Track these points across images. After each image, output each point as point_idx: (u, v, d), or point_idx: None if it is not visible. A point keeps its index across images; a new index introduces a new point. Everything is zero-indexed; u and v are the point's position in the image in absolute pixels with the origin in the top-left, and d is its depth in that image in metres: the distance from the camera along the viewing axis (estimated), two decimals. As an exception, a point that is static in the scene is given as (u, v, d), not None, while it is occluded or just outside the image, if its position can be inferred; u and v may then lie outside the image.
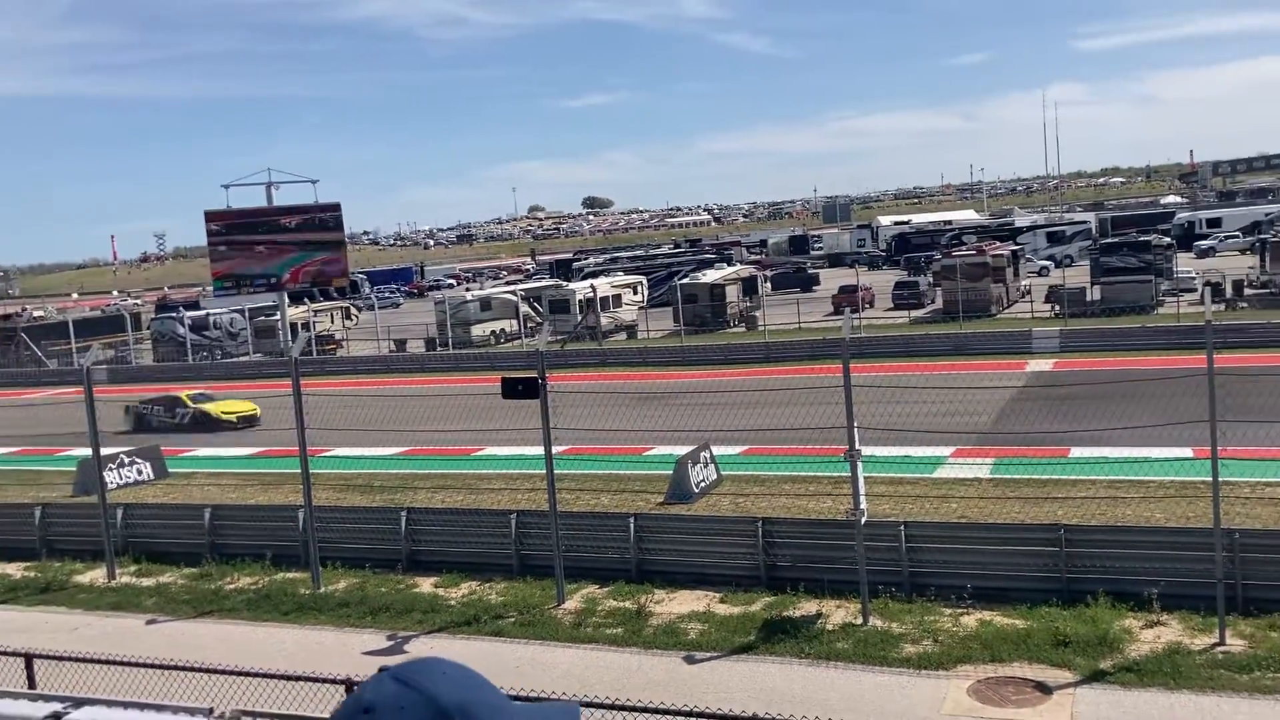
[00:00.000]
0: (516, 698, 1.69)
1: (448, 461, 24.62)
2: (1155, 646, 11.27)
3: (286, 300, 51.05)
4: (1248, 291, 43.68)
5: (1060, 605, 12.44)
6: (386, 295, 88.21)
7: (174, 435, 30.46)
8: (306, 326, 51.72)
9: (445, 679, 1.40)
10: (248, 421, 31.77)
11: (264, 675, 8.48)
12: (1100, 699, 10.32)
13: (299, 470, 16.00)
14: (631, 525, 15.20)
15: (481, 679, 1.46)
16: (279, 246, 49.26)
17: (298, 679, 8.06)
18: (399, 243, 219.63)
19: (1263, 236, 51.66)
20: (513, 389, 14.09)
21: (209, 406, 32.48)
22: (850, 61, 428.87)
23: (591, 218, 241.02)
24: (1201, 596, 11.82)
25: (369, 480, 22.77)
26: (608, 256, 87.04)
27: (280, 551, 16.97)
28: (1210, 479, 11.67)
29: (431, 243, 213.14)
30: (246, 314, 56.09)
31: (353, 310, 66.73)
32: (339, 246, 52.11)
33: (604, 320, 49.08)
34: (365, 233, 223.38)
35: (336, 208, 51.29)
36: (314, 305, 59.96)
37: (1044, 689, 10.59)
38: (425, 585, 15.54)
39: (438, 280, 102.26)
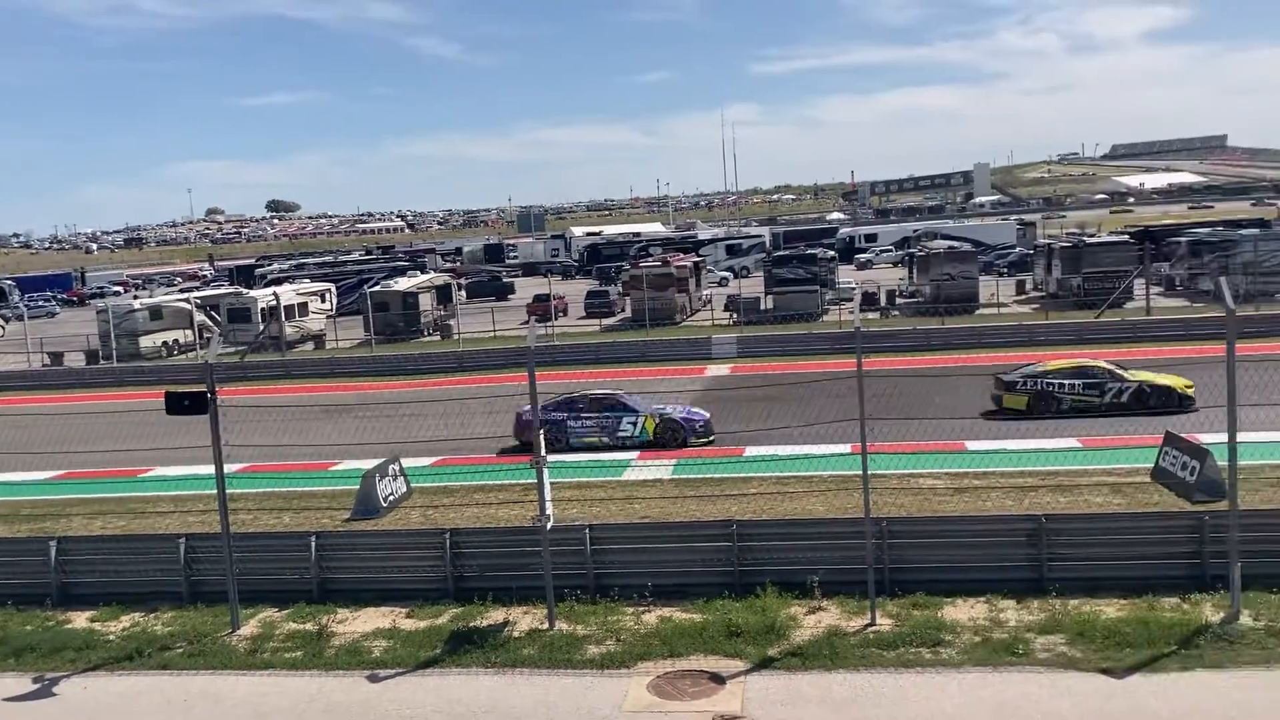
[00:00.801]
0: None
1: (110, 485, 22.67)
2: (816, 631, 12.09)
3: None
4: (899, 300, 48.02)
5: (733, 597, 13.11)
6: (40, 303, 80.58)
7: (1083, 420, 22.37)
8: (-59, 339, 46.35)
9: None
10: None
11: None
12: (769, 684, 10.94)
13: (-75, 500, 14.24)
14: (313, 544, 14.59)
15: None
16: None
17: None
18: (57, 246, 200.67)
19: (911, 251, 56.91)
20: (178, 404, 13.17)
21: (1164, 380, 23.47)
22: (541, 73, 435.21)
23: (276, 222, 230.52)
24: (856, 581, 12.76)
25: (14, 509, 20.60)
26: (294, 263, 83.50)
27: (-98, 593, 15.02)
28: (866, 473, 12.71)
29: (95, 247, 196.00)
30: None
31: (-2, 320, 60.33)
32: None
33: (289, 330, 46.99)
34: (15, 235, 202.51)
35: (-22, 207, 46.25)
36: (-50, 315, 53.74)
37: (718, 679, 11.11)
38: (80, 620, 14.23)
39: (102, 287, 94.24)
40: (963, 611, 12.36)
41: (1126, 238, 50.57)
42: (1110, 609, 12.15)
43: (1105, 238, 51.86)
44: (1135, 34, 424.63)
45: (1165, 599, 12.37)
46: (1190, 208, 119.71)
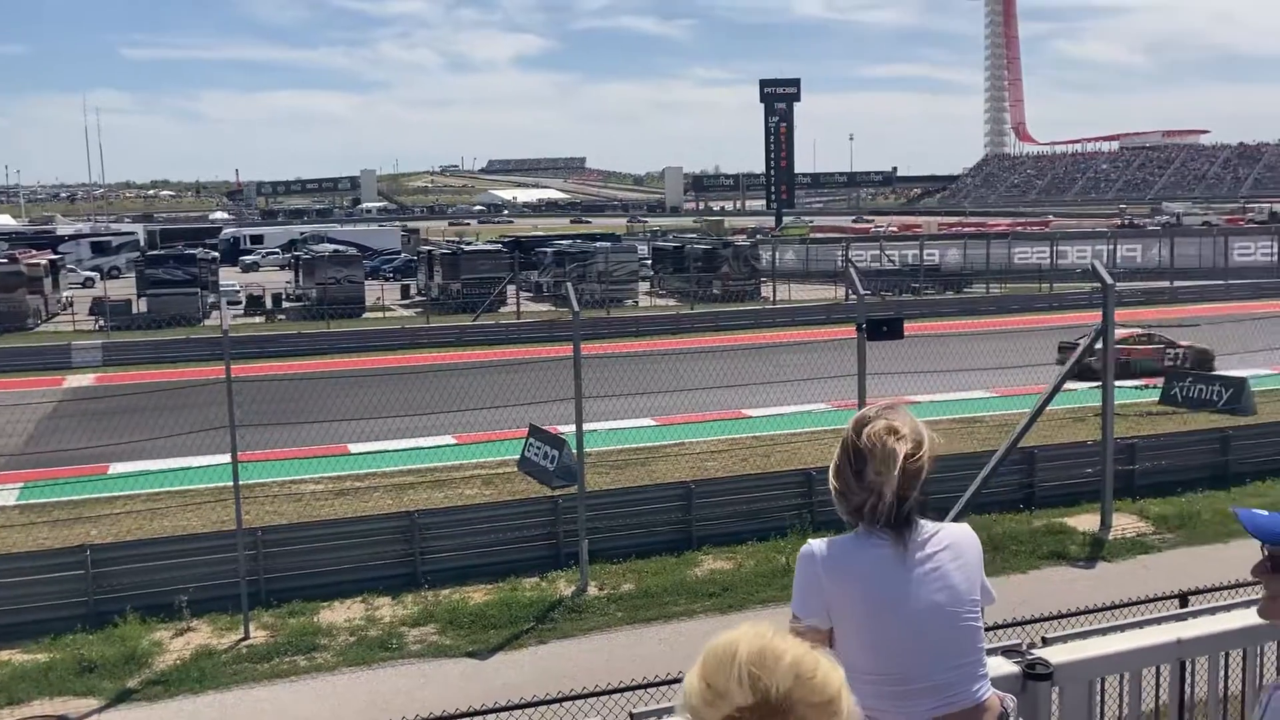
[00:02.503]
0: None
1: None
2: (184, 654, 11.38)
3: None
4: (286, 304, 47.11)
5: (88, 630, 11.88)
6: None
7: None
8: None
9: None
10: None
11: None
12: (125, 719, 10.08)
13: None
14: None
15: None
16: None
17: None
18: None
19: (298, 254, 56.11)
20: None
21: None
22: None
23: None
24: (232, 596, 12.24)
25: None
26: None
27: None
28: (237, 482, 12.24)
29: None
30: None
31: None
32: None
33: None
34: None
35: None
36: None
37: (66, 722, 10.02)
38: None
39: None
40: (340, 614, 12.38)
41: (500, 247, 54.37)
42: (479, 595, 12.91)
43: (482, 246, 55.24)
44: (507, 58, 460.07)
45: (527, 579, 13.42)
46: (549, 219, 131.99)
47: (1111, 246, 54.68)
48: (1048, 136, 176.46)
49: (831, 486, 2.44)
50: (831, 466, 2.43)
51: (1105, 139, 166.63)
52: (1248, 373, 21.18)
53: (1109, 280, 14.95)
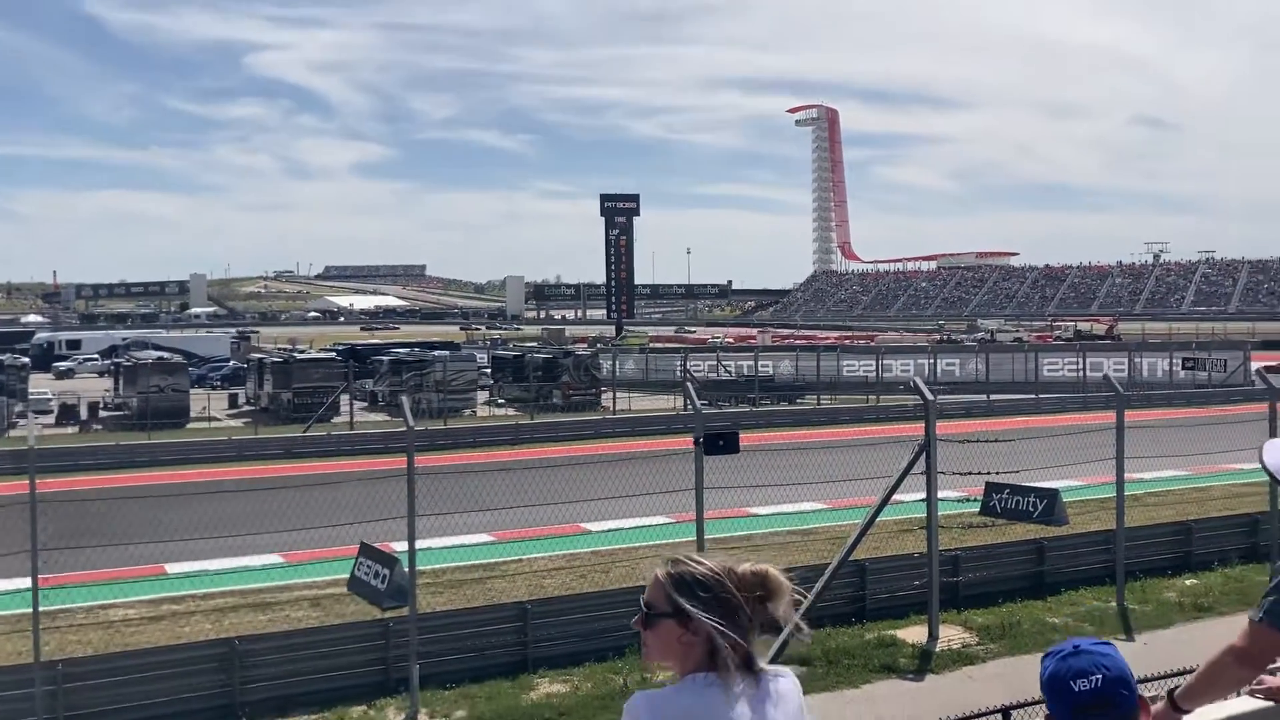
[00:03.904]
0: None
1: None
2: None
3: None
4: (104, 414, 44.78)
5: None
6: None
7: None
8: None
9: None
10: None
11: None
12: None
13: None
14: None
15: None
16: None
17: None
18: None
19: (119, 360, 53.65)
20: None
21: None
22: None
23: None
24: (25, 736, 11.28)
25: None
26: None
27: None
28: (36, 610, 11.37)
29: None
30: None
31: None
32: None
33: None
34: None
35: None
36: None
37: None
38: None
39: None
40: (148, 753, 11.53)
41: (334, 355, 53.26)
42: (301, 725, 12.24)
43: (315, 354, 53.99)
44: (346, 165, 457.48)
45: (355, 707, 12.80)
46: (393, 328, 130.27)
47: (932, 360, 57.53)
48: (871, 255, 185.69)
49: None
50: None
51: (924, 259, 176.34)
52: (1060, 484, 22.30)
53: (930, 397, 15.59)
